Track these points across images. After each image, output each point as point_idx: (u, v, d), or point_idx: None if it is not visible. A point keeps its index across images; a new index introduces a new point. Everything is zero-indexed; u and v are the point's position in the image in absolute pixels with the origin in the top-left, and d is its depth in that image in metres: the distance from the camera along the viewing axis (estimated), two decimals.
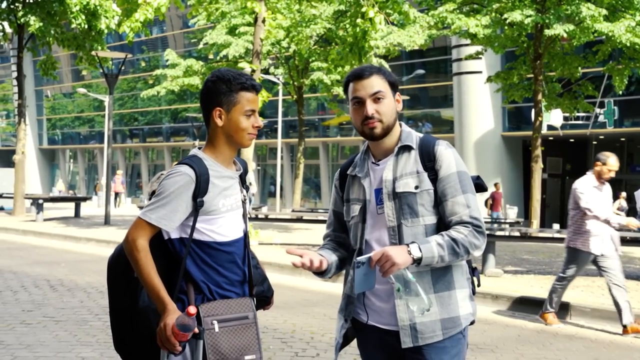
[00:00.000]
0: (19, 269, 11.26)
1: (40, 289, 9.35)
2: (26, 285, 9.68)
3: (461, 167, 2.75)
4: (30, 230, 17.72)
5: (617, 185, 34.04)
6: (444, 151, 2.75)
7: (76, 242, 15.80)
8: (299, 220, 17.20)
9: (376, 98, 2.73)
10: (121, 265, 2.84)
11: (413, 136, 2.82)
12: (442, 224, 2.73)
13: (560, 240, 12.73)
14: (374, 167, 2.82)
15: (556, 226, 26.79)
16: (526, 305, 8.57)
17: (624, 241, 11.87)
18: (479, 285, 2.92)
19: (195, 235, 2.75)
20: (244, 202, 2.92)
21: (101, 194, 37.16)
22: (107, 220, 19.48)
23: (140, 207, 17.49)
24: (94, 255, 13.49)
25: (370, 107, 2.73)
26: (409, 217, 2.71)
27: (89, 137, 55.55)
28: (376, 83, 2.75)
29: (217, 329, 2.71)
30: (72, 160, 59.53)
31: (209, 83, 2.83)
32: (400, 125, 2.85)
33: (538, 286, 9.62)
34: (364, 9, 12.92)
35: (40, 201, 20.56)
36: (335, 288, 10.24)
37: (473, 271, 2.90)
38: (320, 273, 2.86)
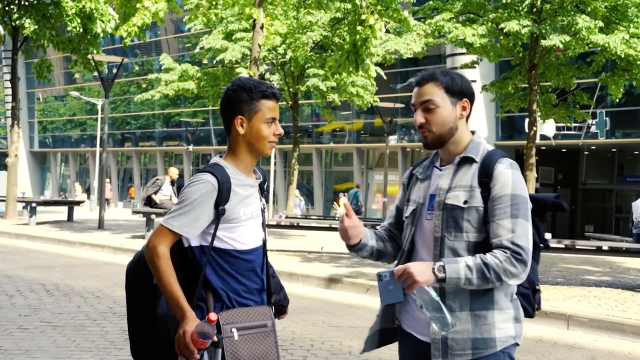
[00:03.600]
0: (13, 272, 11.19)
1: (36, 294, 9.30)
2: (22, 289, 9.61)
3: (518, 190, 2.60)
4: (24, 233, 17.60)
5: (608, 195, 34.28)
6: (503, 170, 2.62)
7: (70, 246, 15.71)
8: (293, 226, 17.20)
9: (426, 107, 2.69)
10: (140, 272, 2.83)
11: (480, 149, 2.72)
12: (490, 244, 2.62)
13: (555, 249, 12.81)
14: (436, 172, 2.78)
15: (547, 235, 26.85)
16: None
17: (620, 252, 11.97)
18: (538, 308, 2.83)
19: (216, 243, 2.75)
20: (263, 211, 2.92)
21: (93, 198, 37.19)
22: (100, 225, 19.39)
23: (135, 212, 17.43)
24: (88, 260, 13.43)
25: (419, 116, 2.70)
26: (452, 231, 2.63)
27: (81, 140, 55.34)
28: (429, 91, 2.68)
29: (236, 337, 2.71)
30: (63, 164, 59.29)
31: (229, 92, 2.82)
32: (473, 134, 2.78)
33: None
34: (363, 17, 12.94)
35: (34, 204, 20.46)
36: (333, 295, 10.24)
37: (534, 294, 2.82)
38: (353, 246, 2.84)
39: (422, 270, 2.49)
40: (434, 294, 2.50)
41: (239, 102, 2.78)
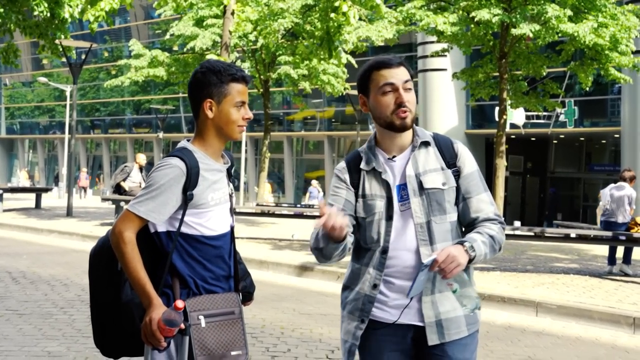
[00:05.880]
0: None
1: (2, 281, 9.16)
2: None
3: (477, 166, 2.76)
4: None
5: (576, 184, 34.66)
6: (463, 149, 2.75)
7: (38, 233, 15.50)
8: (264, 214, 17.13)
9: (407, 87, 2.66)
10: (104, 258, 2.76)
11: (426, 132, 2.77)
12: (460, 221, 2.73)
13: (523, 237, 12.92)
14: (389, 163, 2.72)
15: (517, 223, 27.07)
16: (494, 302, 8.64)
17: (587, 239, 12.10)
18: None
19: (183, 229, 2.69)
20: (231, 196, 2.87)
21: (61, 185, 36.74)
22: (69, 212, 19.16)
23: (105, 199, 17.24)
24: (56, 247, 13.26)
25: (405, 95, 2.64)
26: (437, 213, 2.65)
27: (49, 127, 54.64)
28: (405, 73, 2.67)
29: (203, 324, 2.66)
30: (31, 151, 58.51)
31: (198, 74, 2.75)
32: None
33: (505, 283, 9.70)
34: (336, 3, 12.86)
35: (0, 191, 20.13)
36: (304, 283, 10.22)
37: None
38: (338, 242, 2.56)
39: (461, 252, 2.49)
40: (465, 276, 2.65)
41: (207, 85, 2.72)
